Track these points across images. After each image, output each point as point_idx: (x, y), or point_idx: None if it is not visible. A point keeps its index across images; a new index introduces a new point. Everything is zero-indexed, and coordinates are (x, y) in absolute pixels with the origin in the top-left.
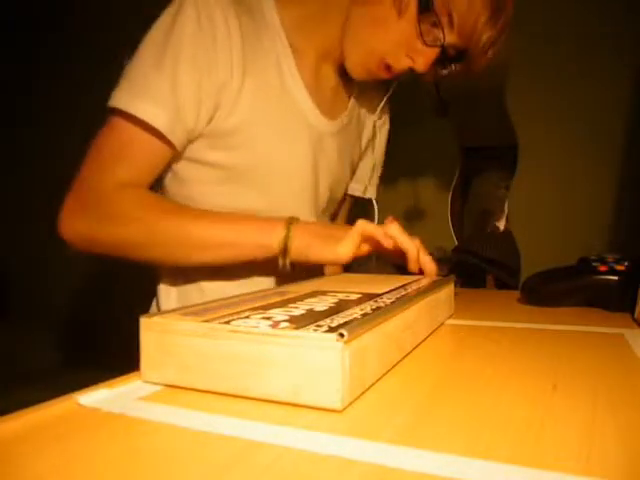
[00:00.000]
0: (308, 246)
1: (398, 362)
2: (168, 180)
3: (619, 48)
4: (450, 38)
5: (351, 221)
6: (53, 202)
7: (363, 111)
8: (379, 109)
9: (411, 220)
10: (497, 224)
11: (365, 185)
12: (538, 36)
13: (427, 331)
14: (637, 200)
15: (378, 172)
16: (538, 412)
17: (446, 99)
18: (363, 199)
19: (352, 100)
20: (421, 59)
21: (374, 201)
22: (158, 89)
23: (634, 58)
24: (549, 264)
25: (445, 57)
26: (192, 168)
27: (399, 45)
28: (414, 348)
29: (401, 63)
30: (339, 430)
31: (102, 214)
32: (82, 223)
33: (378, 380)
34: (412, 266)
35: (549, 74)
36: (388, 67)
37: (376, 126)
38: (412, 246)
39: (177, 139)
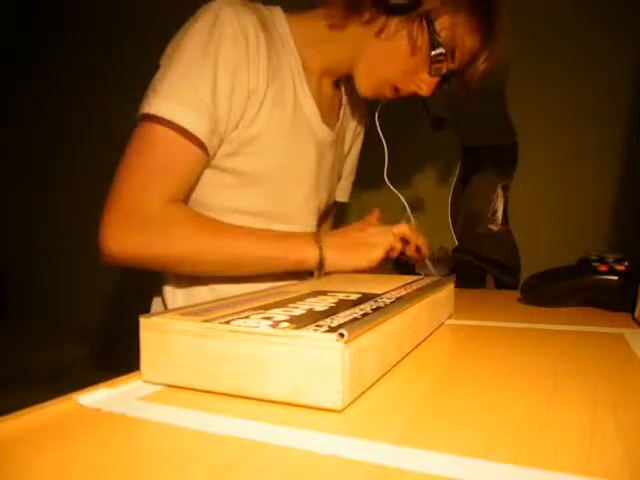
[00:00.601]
0: (341, 258)
1: (398, 362)
2: None
3: (619, 48)
4: (451, 67)
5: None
6: (53, 202)
7: (346, 120)
8: (360, 119)
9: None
10: (497, 224)
11: (345, 190)
12: (538, 36)
13: (427, 331)
14: (637, 200)
15: (352, 177)
16: (538, 412)
17: (441, 115)
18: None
19: (342, 111)
20: (426, 86)
21: (403, 200)
22: (199, 97)
23: (634, 58)
24: (549, 264)
25: (444, 80)
26: (207, 173)
27: (409, 75)
28: (414, 348)
29: (409, 89)
30: (339, 430)
31: (152, 232)
32: (132, 240)
33: (378, 380)
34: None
35: (549, 74)
36: (396, 90)
37: (355, 134)
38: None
39: (212, 148)
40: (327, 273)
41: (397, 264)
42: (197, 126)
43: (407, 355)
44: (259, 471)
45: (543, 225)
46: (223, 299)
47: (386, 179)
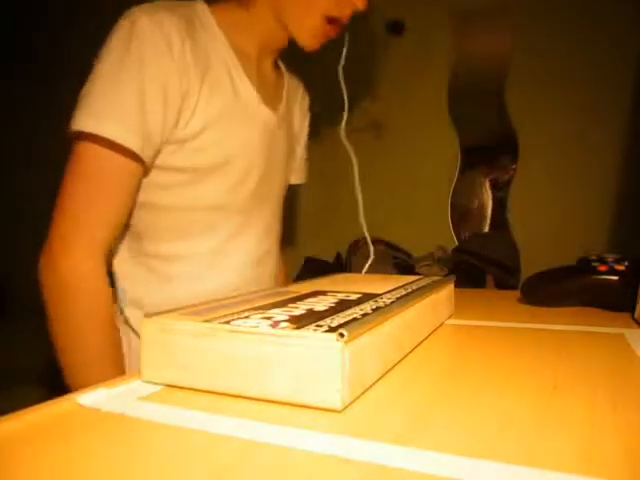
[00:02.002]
0: None
1: (398, 362)
2: None
3: (619, 48)
4: None
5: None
6: (52, 203)
7: (291, 99)
8: (302, 98)
9: (411, 220)
10: (496, 225)
11: (301, 172)
12: (538, 36)
13: (427, 331)
14: (637, 200)
15: (305, 157)
16: (538, 412)
17: (399, 20)
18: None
19: (285, 91)
20: (357, 1)
21: (353, 158)
22: (123, 108)
23: (634, 57)
24: (549, 264)
25: None
26: (154, 174)
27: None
28: (414, 348)
29: (344, 11)
30: (339, 430)
31: (62, 315)
32: (47, 281)
33: (378, 380)
34: None
35: (549, 74)
36: (334, 20)
37: (303, 113)
38: None
39: (148, 157)
40: None
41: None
42: (124, 137)
43: (407, 355)
44: (259, 471)
45: (543, 225)
46: (223, 299)
47: (343, 134)
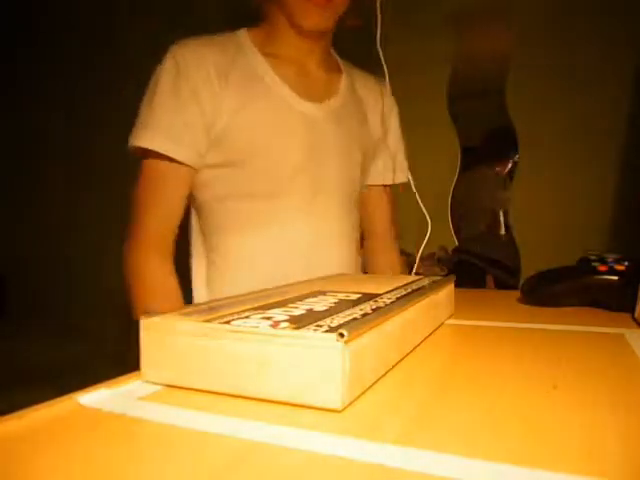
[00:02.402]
0: None
1: (398, 362)
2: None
3: (619, 47)
4: None
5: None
6: (53, 202)
7: (363, 96)
8: (379, 94)
9: (411, 220)
10: (497, 224)
11: (393, 171)
12: (538, 36)
13: (427, 331)
14: (637, 200)
15: (402, 154)
16: (538, 412)
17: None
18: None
19: (342, 87)
20: None
21: (411, 180)
22: (171, 126)
23: (634, 56)
24: (549, 264)
25: None
26: (198, 175)
27: None
28: (414, 348)
29: None
30: (339, 430)
31: (140, 286)
32: (129, 260)
33: (378, 380)
34: None
35: (549, 74)
36: None
37: (384, 111)
38: None
39: (194, 162)
40: None
41: None
42: (173, 151)
43: (407, 355)
44: (259, 471)
45: (543, 225)
46: (224, 299)
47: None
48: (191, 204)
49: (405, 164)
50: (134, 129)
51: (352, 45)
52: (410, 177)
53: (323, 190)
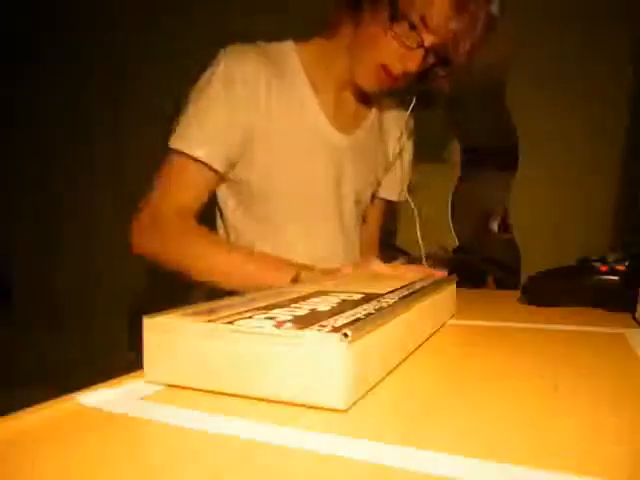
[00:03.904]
0: None
1: (400, 362)
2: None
3: (619, 47)
4: (428, 39)
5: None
6: (54, 202)
7: (386, 127)
8: (401, 124)
9: (411, 220)
10: (497, 224)
11: (399, 189)
12: (539, 36)
13: (430, 331)
14: (637, 200)
15: (408, 176)
16: (538, 412)
17: (437, 93)
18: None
19: (370, 120)
20: (410, 62)
21: (410, 200)
22: (210, 132)
23: (634, 57)
24: (549, 264)
25: (433, 59)
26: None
27: (390, 53)
28: (416, 348)
29: (396, 68)
30: (342, 430)
31: (164, 237)
32: (149, 243)
33: (381, 380)
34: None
35: (549, 74)
36: (389, 73)
37: (402, 139)
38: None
39: (220, 166)
40: None
41: None
42: (208, 157)
43: (410, 355)
44: (261, 471)
45: (543, 226)
46: (226, 299)
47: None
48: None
49: (406, 183)
50: (178, 129)
51: None
52: (409, 197)
53: (337, 215)
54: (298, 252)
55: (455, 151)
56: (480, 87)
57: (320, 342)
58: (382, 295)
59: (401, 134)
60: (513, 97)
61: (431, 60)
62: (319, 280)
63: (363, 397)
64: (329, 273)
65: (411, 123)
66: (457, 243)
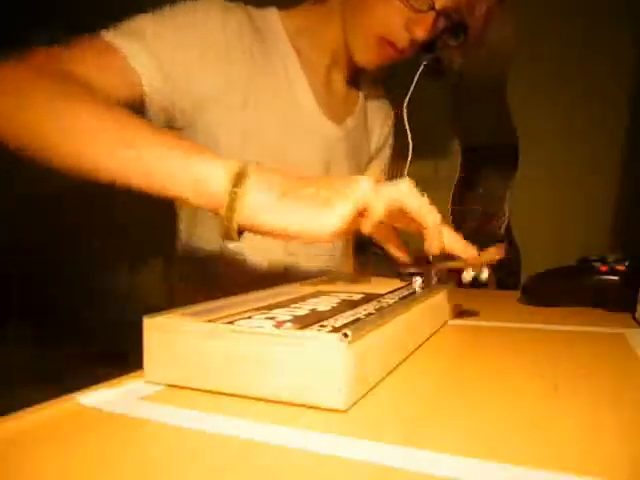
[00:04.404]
0: (272, 206)
1: (401, 362)
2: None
3: (619, 47)
4: (440, 1)
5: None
6: (56, 201)
7: (370, 118)
8: (385, 119)
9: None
10: (497, 224)
11: None
12: (539, 36)
13: (430, 331)
14: (637, 200)
15: (385, 176)
16: (538, 412)
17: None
18: None
19: (359, 105)
20: (418, 28)
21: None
22: (153, 42)
23: (634, 57)
24: (549, 264)
25: (444, 27)
26: None
27: (394, 20)
28: (416, 348)
29: (402, 37)
30: (342, 430)
31: (30, 85)
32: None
33: (381, 380)
34: (433, 245)
35: (550, 74)
36: (392, 44)
37: (381, 139)
38: (428, 214)
39: (148, 79)
40: (240, 232)
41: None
42: (136, 56)
43: (410, 355)
44: (261, 471)
45: (543, 225)
46: (226, 299)
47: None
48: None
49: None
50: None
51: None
52: None
53: None
54: (279, 249)
55: (455, 151)
56: (480, 86)
57: (320, 342)
58: (382, 295)
59: (381, 132)
60: (513, 97)
61: (442, 26)
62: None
63: (363, 397)
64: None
65: (391, 118)
66: None
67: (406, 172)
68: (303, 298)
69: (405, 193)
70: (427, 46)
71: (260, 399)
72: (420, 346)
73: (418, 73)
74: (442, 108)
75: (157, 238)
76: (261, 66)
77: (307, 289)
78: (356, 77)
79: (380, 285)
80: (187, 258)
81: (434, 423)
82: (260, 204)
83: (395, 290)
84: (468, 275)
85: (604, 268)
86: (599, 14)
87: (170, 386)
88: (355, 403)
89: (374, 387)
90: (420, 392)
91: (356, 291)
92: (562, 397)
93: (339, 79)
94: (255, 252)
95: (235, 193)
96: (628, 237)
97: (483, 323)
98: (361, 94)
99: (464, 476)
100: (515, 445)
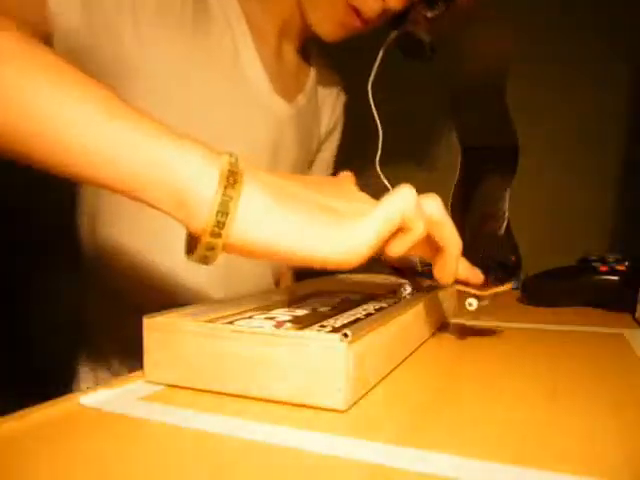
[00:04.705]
0: (278, 218)
1: (401, 362)
2: None
3: (619, 48)
4: None
5: None
6: (58, 201)
7: (321, 96)
8: (338, 97)
9: None
10: (497, 224)
11: None
12: (539, 36)
13: (429, 331)
14: (637, 200)
15: (331, 169)
16: (538, 412)
17: (431, 41)
18: None
19: (309, 82)
20: None
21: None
22: None
23: (634, 58)
24: (549, 264)
25: None
26: None
27: None
28: (416, 348)
29: (372, 5)
30: (342, 430)
31: None
32: None
33: (381, 381)
34: (446, 275)
35: (550, 74)
36: (359, 12)
37: (332, 120)
38: (457, 243)
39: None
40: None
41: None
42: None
43: (409, 355)
44: (260, 471)
45: (543, 225)
46: (227, 299)
47: (377, 167)
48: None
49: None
50: None
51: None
52: None
53: None
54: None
55: (455, 151)
56: (480, 86)
57: (320, 342)
58: (382, 295)
59: (331, 114)
60: (513, 97)
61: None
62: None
63: (363, 397)
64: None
65: (343, 97)
66: None
67: (377, 164)
68: (303, 298)
69: (443, 214)
70: (397, 18)
71: (260, 399)
72: (420, 346)
73: (383, 48)
74: (442, 108)
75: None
76: (203, 32)
77: (307, 289)
78: (308, 50)
79: (380, 285)
80: (90, 265)
81: (434, 423)
82: (260, 218)
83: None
84: (473, 303)
85: (604, 268)
86: (600, 13)
87: (170, 386)
88: (355, 403)
89: (374, 387)
90: (420, 392)
91: (356, 291)
92: (561, 397)
93: (290, 50)
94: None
95: (230, 199)
96: (628, 237)
97: (483, 323)
98: (313, 69)
99: (464, 476)
100: (515, 445)
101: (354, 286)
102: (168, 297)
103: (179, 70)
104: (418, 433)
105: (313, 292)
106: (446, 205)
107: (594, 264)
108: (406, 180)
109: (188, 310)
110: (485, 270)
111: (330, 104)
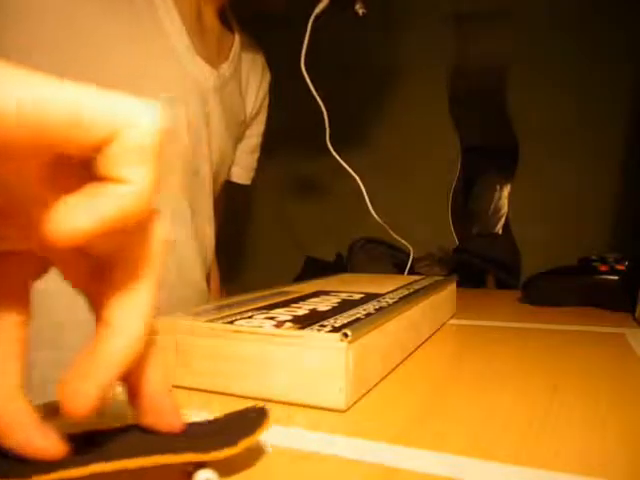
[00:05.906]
0: None
1: (401, 362)
2: None
3: (620, 48)
4: None
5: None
6: None
7: (245, 72)
8: (263, 74)
9: (411, 220)
10: (497, 224)
11: (248, 169)
12: (539, 36)
13: (429, 331)
14: (637, 200)
15: (258, 154)
16: (539, 412)
17: None
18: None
19: (233, 51)
20: None
21: (351, 171)
22: None
23: (635, 58)
24: (549, 264)
25: None
26: None
27: None
28: (416, 348)
29: None
30: (342, 430)
31: None
32: None
33: (381, 380)
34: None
35: (550, 74)
36: None
37: (259, 98)
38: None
39: None
40: None
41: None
42: None
43: (410, 355)
44: (261, 471)
45: (543, 225)
46: (227, 299)
47: (329, 145)
48: None
49: (254, 165)
50: None
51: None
52: (369, 202)
53: (200, 171)
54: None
55: (455, 150)
56: (480, 86)
57: (320, 342)
58: (382, 295)
59: (264, 94)
60: (513, 97)
61: None
62: None
63: (363, 397)
64: None
65: (268, 75)
66: (457, 243)
67: (328, 143)
68: (303, 298)
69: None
70: None
71: (260, 399)
72: (420, 345)
73: (314, 14)
74: (443, 108)
75: None
76: None
77: (307, 289)
78: (227, 16)
79: (380, 285)
80: None
81: (434, 423)
82: None
83: (395, 290)
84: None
85: (604, 268)
86: (601, 14)
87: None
88: (355, 403)
89: (374, 387)
90: (420, 392)
91: (356, 291)
92: (562, 397)
93: (210, 15)
94: None
95: None
96: (628, 237)
97: (483, 323)
98: (237, 37)
99: (464, 476)
100: (515, 445)
101: (354, 286)
102: None
103: (71, 17)
104: (418, 432)
105: (313, 292)
106: (446, 204)
107: (594, 264)
108: (406, 180)
109: (188, 310)
110: (484, 270)
111: (256, 82)
